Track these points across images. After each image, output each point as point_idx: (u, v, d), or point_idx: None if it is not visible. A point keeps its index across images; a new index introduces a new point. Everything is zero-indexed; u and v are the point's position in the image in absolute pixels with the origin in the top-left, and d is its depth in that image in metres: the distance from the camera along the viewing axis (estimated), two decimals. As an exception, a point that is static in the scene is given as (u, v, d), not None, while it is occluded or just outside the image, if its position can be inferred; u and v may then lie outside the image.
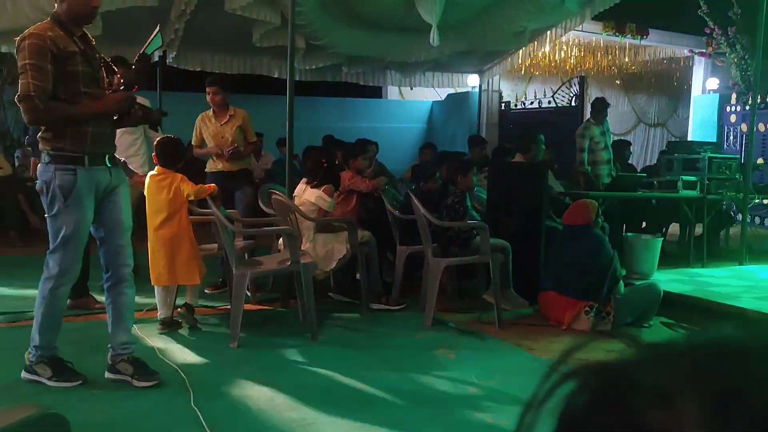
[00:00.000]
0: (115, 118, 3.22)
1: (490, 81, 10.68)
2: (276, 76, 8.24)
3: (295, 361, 3.68)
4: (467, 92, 11.17)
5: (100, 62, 3.18)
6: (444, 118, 12.06)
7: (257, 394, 3.13)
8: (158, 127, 4.24)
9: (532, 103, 11.45)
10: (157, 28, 3.26)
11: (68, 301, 3.35)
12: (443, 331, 4.31)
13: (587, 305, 4.30)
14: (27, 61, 2.89)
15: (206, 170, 5.27)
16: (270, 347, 3.90)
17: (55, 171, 3.03)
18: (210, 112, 5.25)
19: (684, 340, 0.37)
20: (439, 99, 12.06)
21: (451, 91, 11.39)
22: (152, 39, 3.23)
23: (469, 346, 4.03)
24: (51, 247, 3.10)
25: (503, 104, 11.41)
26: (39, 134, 3.09)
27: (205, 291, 4.93)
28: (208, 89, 5.18)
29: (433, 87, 10.11)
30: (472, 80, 10.12)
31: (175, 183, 4.03)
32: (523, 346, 3.98)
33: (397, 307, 4.79)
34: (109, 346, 3.27)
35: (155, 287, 4.13)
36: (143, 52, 3.20)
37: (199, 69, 7.75)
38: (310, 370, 3.51)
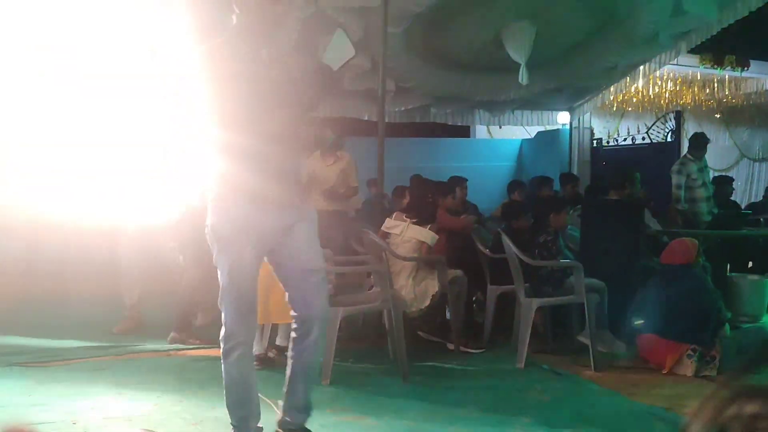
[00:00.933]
0: None
1: (581, 118, 10.52)
2: (366, 118, 8.42)
3: (386, 400, 3.68)
4: (557, 129, 11.04)
5: None
6: (534, 156, 11.93)
7: (350, 430, 3.15)
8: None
9: (625, 139, 11.17)
10: (338, 30, 2.97)
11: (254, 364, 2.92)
12: (536, 373, 4.20)
13: (690, 348, 4.10)
14: None
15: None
16: (361, 385, 3.92)
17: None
18: (318, 153, 5.41)
19: None
20: (529, 137, 11.96)
21: (541, 128, 11.29)
22: (333, 43, 2.86)
23: (563, 389, 3.91)
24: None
25: (595, 141, 11.19)
26: None
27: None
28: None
29: (522, 125, 10.06)
30: (562, 117, 9.99)
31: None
32: (621, 390, 3.83)
33: (476, 351, 4.68)
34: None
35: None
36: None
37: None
38: (401, 410, 3.50)
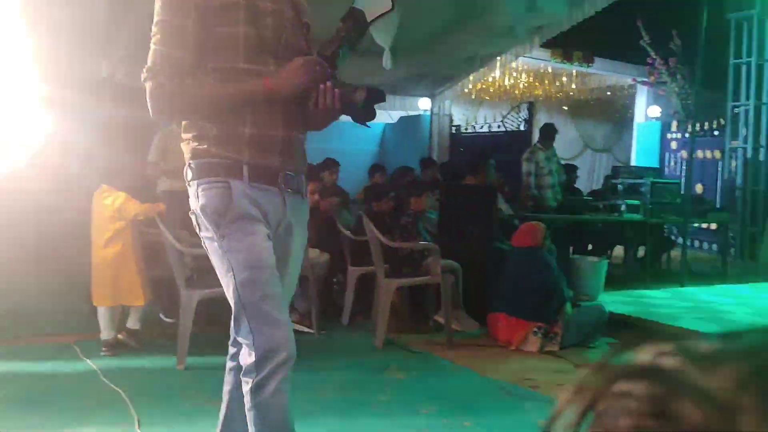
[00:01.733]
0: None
1: (442, 105, 10.83)
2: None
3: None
4: (419, 115, 11.30)
5: (286, 21, 2.04)
6: (396, 141, 12.15)
7: (204, 418, 3.07)
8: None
9: (482, 127, 11.64)
10: None
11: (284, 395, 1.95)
12: (394, 353, 4.31)
13: (536, 326, 4.37)
14: (158, 18, 1.92)
15: (160, 189, 5.20)
16: (219, 371, 3.82)
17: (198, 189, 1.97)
18: (173, 127, 5.17)
19: (729, 346, 0.35)
20: (392, 122, 12.17)
21: (403, 113, 11.51)
22: None
23: (419, 367, 4.03)
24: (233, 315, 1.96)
25: (454, 128, 11.57)
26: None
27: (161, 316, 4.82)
28: None
29: (385, 110, 10.20)
30: (424, 103, 10.24)
31: (119, 201, 3.95)
32: (472, 366, 4.01)
33: (312, 331, 4.66)
34: None
35: (98, 307, 4.03)
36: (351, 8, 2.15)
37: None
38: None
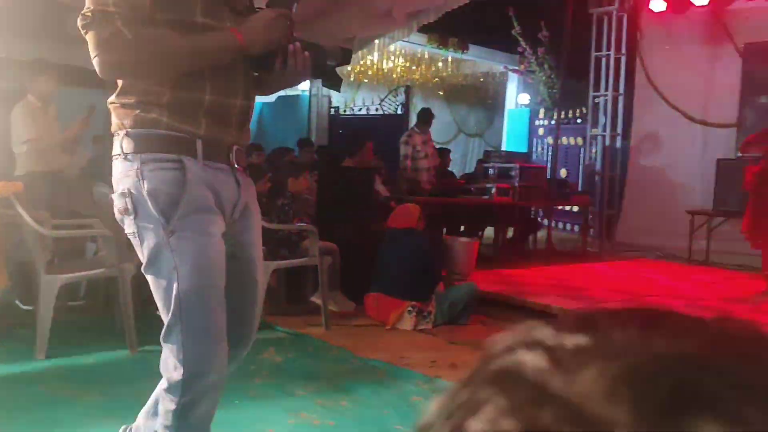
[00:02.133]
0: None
1: (320, 86, 10.79)
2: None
3: (113, 373, 3.46)
4: (297, 95, 11.19)
5: None
6: (274, 121, 11.98)
7: (64, 409, 2.91)
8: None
9: (360, 109, 11.71)
10: None
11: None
12: (270, 335, 4.27)
13: (410, 305, 4.48)
14: None
15: (18, 173, 4.83)
16: (83, 359, 3.64)
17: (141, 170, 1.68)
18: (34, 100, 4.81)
19: (598, 341, 0.31)
20: (269, 101, 11.97)
21: (281, 93, 11.34)
22: None
23: (296, 349, 4.03)
24: (165, 322, 1.70)
25: (333, 109, 11.56)
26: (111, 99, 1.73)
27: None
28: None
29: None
30: (302, 83, 10.15)
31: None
32: (348, 346, 4.05)
33: None
34: None
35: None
36: None
37: None
38: (129, 382, 3.32)
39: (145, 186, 1.65)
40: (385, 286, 4.56)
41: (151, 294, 1.75)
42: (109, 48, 1.60)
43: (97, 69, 1.64)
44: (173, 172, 1.67)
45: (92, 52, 1.62)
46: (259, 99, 10.48)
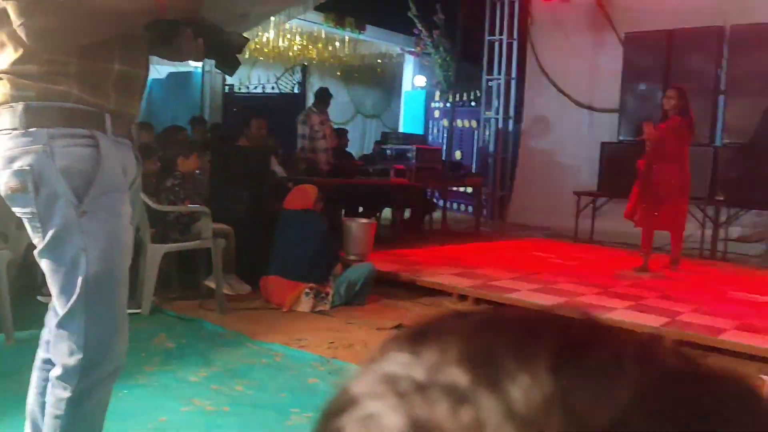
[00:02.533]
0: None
1: (213, 62, 10.44)
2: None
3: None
4: (190, 72, 10.79)
5: None
6: (164, 98, 11.50)
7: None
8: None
9: (256, 87, 11.46)
10: None
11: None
12: (161, 320, 4.12)
13: (307, 287, 4.44)
14: None
15: None
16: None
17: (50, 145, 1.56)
18: None
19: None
20: (160, 77, 11.48)
21: (173, 69, 10.91)
22: None
23: (188, 334, 3.90)
24: (62, 306, 1.60)
25: (227, 87, 11.25)
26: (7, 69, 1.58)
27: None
28: None
29: (151, 63, 9.57)
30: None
31: None
32: (243, 330, 3.97)
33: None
34: None
35: None
36: None
37: None
38: (5, 375, 3.10)
39: (57, 163, 1.54)
40: (281, 269, 4.49)
41: (31, 279, 1.65)
42: (36, 12, 1.49)
43: (24, 36, 1.51)
44: (87, 148, 1.58)
45: (17, 19, 1.49)
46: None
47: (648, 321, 4.17)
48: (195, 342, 3.75)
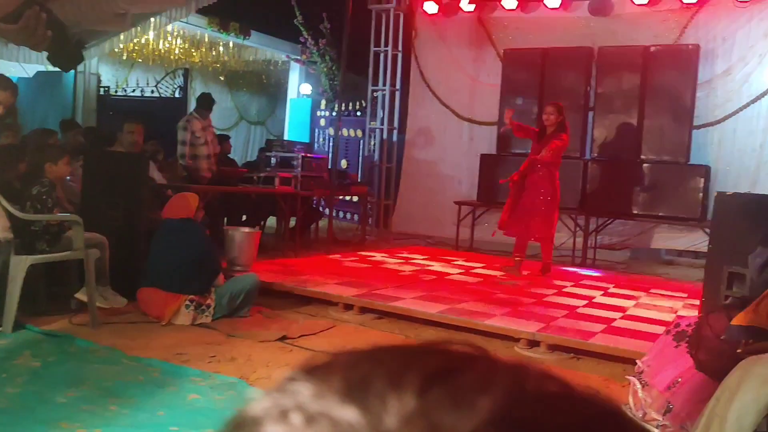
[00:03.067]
0: None
1: (88, 63, 9.91)
2: None
3: None
4: (60, 72, 10.17)
5: None
6: (32, 98, 10.78)
7: None
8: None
9: (134, 90, 10.98)
10: None
11: None
12: (25, 338, 3.83)
13: (188, 299, 4.29)
14: None
15: None
16: None
17: None
18: None
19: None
20: (27, 76, 10.75)
21: (41, 68, 10.25)
22: None
23: (58, 352, 3.65)
24: None
25: (102, 89, 10.71)
26: None
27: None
28: None
29: (18, 61, 8.95)
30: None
31: None
32: (118, 345, 3.77)
33: None
34: None
35: None
36: None
37: None
38: None
39: None
40: (160, 280, 4.31)
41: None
42: None
43: None
44: None
45: None
46: (13, 73, 9.36)
47: (525, 327, 4.34)
48: (64, 360, 3.52)
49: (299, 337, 4.14)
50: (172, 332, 4.12)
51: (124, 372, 3.38)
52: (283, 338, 4.07)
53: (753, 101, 7.75)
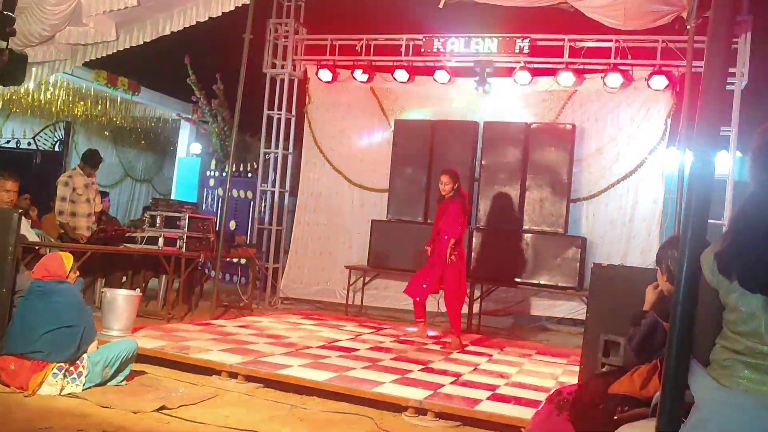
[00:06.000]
0: None
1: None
2: None
3: None
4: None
5: None
6: None
7: None
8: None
9: (8, 141, 10.37)
10: None
11: None
12: None
13: (56, 366, 3.97)
14: None
15: None
16: None
17: None
18: None
19: None
20: None
21: None
22: None
23: None
24: None
25: (-27, 138, 10.08)
26: None
27: None
28: None
29: None
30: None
31: None
32: (-26, 420, 3.42)
33: None
34: None
35: None
36: None
37: None
38: None
39: None
40: (23, 347, 3.96)
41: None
42: None
43: None
44: None
45: None
46: None
47: (413, 394, 4.33)
48: None
49: (179, 407, 3.91)
50: (35, 404, 3.79)
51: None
52: (161, 409, 3.84)
53: (622, 179, 8.35)
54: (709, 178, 1.82)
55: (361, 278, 8.53)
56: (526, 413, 3.87)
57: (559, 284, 7.91)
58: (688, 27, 7.14)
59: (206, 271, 8.53)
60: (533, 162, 8.31)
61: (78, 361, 4.07)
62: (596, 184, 8.46)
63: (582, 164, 8.46)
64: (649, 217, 8.18)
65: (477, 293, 8.16)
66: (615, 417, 2.36)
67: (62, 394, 3.96)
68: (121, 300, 5.56)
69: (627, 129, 8.38)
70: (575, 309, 8.25)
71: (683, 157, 7.03)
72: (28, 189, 6.50)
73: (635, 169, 8.30)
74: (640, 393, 2.38)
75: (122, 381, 4.30)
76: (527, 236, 8.18)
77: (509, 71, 8.64)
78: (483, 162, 8.54)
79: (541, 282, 8.00)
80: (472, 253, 8.23)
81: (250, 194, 10.77)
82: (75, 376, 4.04)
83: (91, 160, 7.13)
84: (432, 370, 5.23)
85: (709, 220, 1.82)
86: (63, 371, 3.99)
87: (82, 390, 4.04)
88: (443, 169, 6.84)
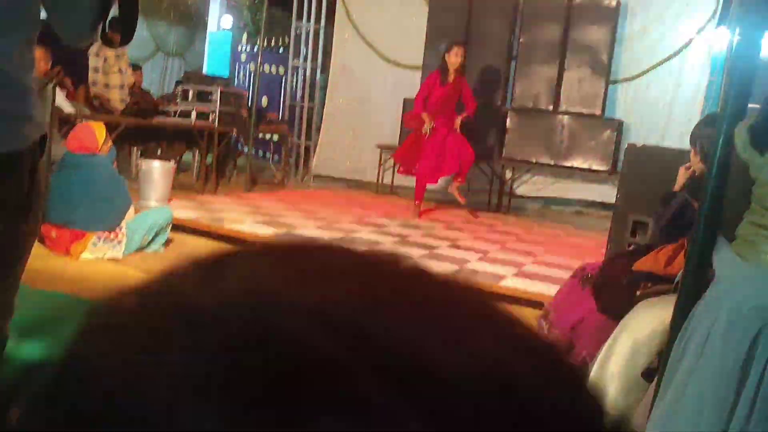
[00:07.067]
0: None
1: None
2: None
3: None
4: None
5: None
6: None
7: None
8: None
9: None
10: None
11: None
12: None
13: (96, 235, 4.13)
14: None
15: None
16: None
17: None
18: None
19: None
20: None
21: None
22: None
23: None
24: None
25: None
26: None
27: None
28: None
29: None
30: None
31: None
32: (24, 279, 3.60)
33: None
34: None
35: None
36: None
37: None
38: None
39: None
40: (60, 217, 4.10)
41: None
42: None
43: None
44: None
45: None
46: None
47: (439, 269, 4.43)
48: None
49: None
50: (80, 267, 3.98)
51: (26, 304, 3.25)
52: (197, 275, 4.00)
53: (666, 59, 8.02)
54: (754, 56, 1.73)
55: (392, 157, 8.52)
56: (551, 290, 3.95)
57: (593, 167, 7.83)
58: None
59: (239, 146, 8.60)
60: (573, 40, 7.98)
61: (117, 229, 4.22)
62: (638, 65, 8.14)
63: (624, 44, 8.12)
64: (690, 101, 7.91)
65: (508, 175, 8.13)
66: (637, 292, 2.40)
67: (104, 258, 4.14)
68: (157, 171, 5.67)
69: (675, 6, 7.94)
70: (607, 193, 8.20)
71: (733, 37, 6.69)
72: (60, 59, 6.48)
73: (680, 50, 7.94)
74: (665, 270, 2.40)
75: (160, 248, 4.46)
76: (563, 117, 8.01)
77: (554, -59, 8.13)
78: (521, 39, 8.24)
79: (574, 165, 7.92)
80: (507, 134, 8.12)
81: (282, 70, 10.63)
82: (116, 243, 4.21)
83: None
84: (459, 247, 5.32)
85: (750, 104, 1.75)
86: (102, 239, 4.15)
87: (123, 256, 4.22)
88: (462, 41, 6.80)
